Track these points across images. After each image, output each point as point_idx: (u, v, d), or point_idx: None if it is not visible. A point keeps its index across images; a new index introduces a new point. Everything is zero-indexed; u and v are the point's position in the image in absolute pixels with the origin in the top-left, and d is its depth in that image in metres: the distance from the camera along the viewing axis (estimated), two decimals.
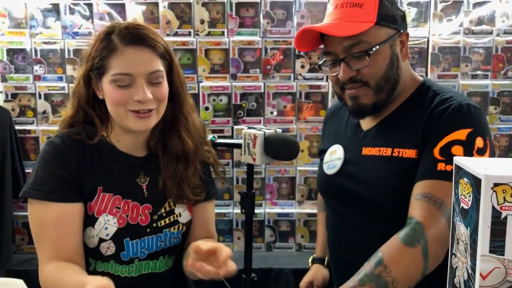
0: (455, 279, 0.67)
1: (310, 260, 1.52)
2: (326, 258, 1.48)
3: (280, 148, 1.01)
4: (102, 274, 1.08)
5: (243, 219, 2.39)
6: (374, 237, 1.09)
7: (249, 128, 1.05)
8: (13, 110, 2.39)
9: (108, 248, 1.06)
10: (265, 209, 2.34)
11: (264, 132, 1.02)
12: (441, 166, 1.00)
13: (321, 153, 1.34)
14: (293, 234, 2.34)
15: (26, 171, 2.37)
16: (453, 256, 0.69)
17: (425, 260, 0.90)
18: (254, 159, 1.03)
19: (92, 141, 1.04)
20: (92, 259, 1.08)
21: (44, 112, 2.39)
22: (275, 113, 2.35)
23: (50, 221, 0.98)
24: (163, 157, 1.11)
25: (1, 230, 2.24)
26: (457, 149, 1.01)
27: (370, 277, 0.85)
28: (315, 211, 2.34)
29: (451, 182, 0.98)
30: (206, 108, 2.34)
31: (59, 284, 0.96)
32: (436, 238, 0.93)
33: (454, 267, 0.68)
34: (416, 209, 0.96)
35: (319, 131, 2.23)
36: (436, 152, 1.02)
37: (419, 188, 1.00)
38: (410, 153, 1.08)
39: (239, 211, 2.37)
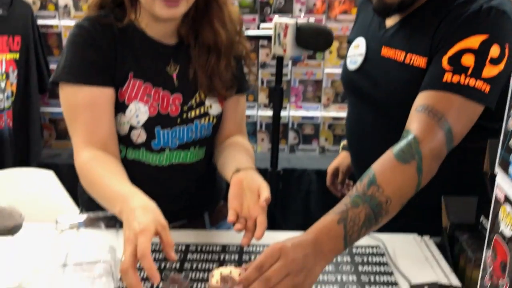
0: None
1: (340, 147, 1.59)
2: None
3: (312, 38, 1.00)
4: (133, 162, 1.12)
5: (267, 121, 2.43)
6: (383, 137, 1.11)
7: (280, 17, 1.03)
8: (34, 3, 2.37)
9: (139, 136, 1.10)
10: (290, 112, 2.36)
11: (296, 22, 0.99)
12: (447, 77, 0.95)
13: (349, 42, 1.33)
14: (317, 137, 2.38)
15: (51, 67, 2.40)
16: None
17: (419, 176, 0.88)
18: (284, 51, 1.02)
19: (121, 23, 1.03)
20: (123, 146, 1.12)
21: (66, 6, 2.37)
22: (303, 11, 2.28)
23: (83, 105, 1.01)
24: (194, 47, 1.10)
25: (29, 125, 2.33)
26: (467, 58, 0.95)
27: (363, 198, 0.84)
28: (340, 114, 2.35)
29: (456, 95, 0.95)
30: None
31: (97, 180, 0.98)
32: (431, 153, 0.90)
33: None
34: (414, 122, 0.94)
35: (349, 30, 2.16)
36: (444, 61, 0.97)
37: (421, 99, 0.97)
38: (421, 61, 1.03)
39: (263, 113, 2.40)
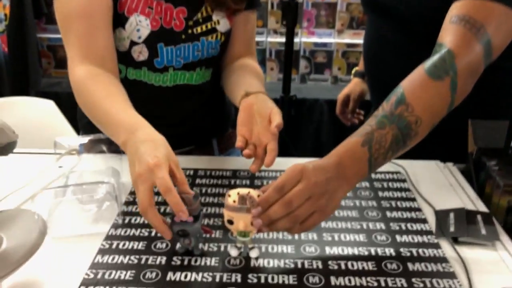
0: None
1: (352, 73, 1.52)
2: None
3: None
4: (134, 82, 1.05)
5: (277, 48, 2.33)
6: (407, 58, 1.02)
7: None
8: None
9: (141, 53, 1.02)
10: (301, 39, 2.25)
11: None
12: None
13: None
14: (330, 66, 2.28)
15: None
16: None
17: (452, 93, 0.80)
18: None
19: None
20: (122, 65, 1.04)
21: None
22: None
23: (77, 14, 0.92)
24: None
25: (26, 52, 2.24)
26: None
27: (390, 118, 0.76)
28: (355, 41, 2.24)
29: (498, 3, 0.84)
30: None
31: (97, 104, 0.89)
32: (468, 68, 0.81)
33: None
34: (449, 35, 0.84)
35: None
36: None
37: (456, 9, 0.87)
38: None
39: (273, 39, 2.28)
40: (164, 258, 0.73)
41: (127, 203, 0.89)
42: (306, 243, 0.78)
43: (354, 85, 1.51)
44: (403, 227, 0.83)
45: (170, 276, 0.69)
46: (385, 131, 0.75)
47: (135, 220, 0.83)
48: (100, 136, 0.98)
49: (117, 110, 0.86)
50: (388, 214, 0.87)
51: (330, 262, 0.73)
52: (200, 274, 0.70)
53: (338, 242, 0.78)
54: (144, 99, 1.00)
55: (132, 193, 0.92)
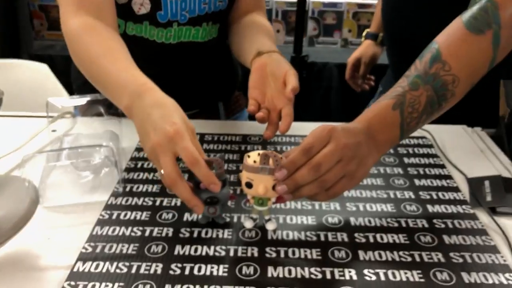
0: None
1: (363, 35, 1.43)
2: (380, 35, 1.39)
3: None
4: (134, 38, 0.96)
5: (284, 8, 2.22)
6: (428, 7, 0.93)
7: None
8: None
9: (142, 5, 0.92)
10: None
11: None
12: None
13: None
14: (340, 28, 2.18)
15: None
16: None
17: (494, 48, 0.72)
18: None
19: None
20: (121, 20, 0.95)
21: None
22: None
23: None
24: None
25: (16, 11, 2.13)
26: None
27: (424, 78, 0.69)
28: (367, 0, 2.13)
29: None
30: None
31: (94, 59, 0.80)
32: None
33: None
34: None
35: None
36: None
37: None
38: None
39: None
40: (171, 230, 0.66)
41: (128, 170, 0.81)
42: (328, 213, 0.70)
43: (366, 48, 1.43)
44: (434, 196, 0.75)
45: (178, 249, 0.62)
46: (419, 93, 0.68)
47: (138, 188, 0.76)
48: (97, 97, 0.90)
49: (119, 69, 0.77)
50: (417, 182, 0.79)
51: (356, 235, 0.66)
52: (212, 248, 0.63)
53: (363, 213, 0.71)
54: (145, 57, 0.91)
55: (134, 159, 0.85)
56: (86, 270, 0.59)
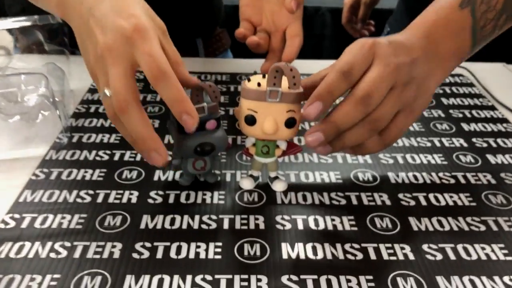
0: None
1: None
2: None
3: None
4: None
5: None
6: None
7: None
8: None
9: None
10: None
11: None
12: None
13: None
14: None
15: None
16: None
17: None
18: None
19: None
20: None
21: None
22: None
23: None
24: None
25: None
26: None
27: None
28: None
29: None
30: None
31: None
32: None
33: None
34: None
35: None
36: None
37: None
38: None
39: None
40: (135, 194, 0.47)
41: (77, 115, 0.61)
42: (358, 168, 0.52)
43: None
44: (493, 144, 0.57)
45: (146, 222, 0.43)
46: None
47: (89, 138, 0.56)
48: (35, 20, 0.68)
49: None
50: (465, 126, 0.61)
51: (401, 196, 0.48)
52: (197, 219, 0.44)
53: (404, 166, 0.52)
54: None
55: (86, 101, 0.64)
56: (3, 255, 0.39)
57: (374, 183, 0.49)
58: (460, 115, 0.64)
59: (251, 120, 0.43)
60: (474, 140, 0.58)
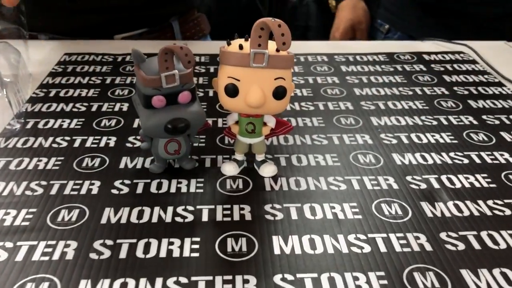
0: None
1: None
2: None
3: None
4: None
5: None
6: None
7: None
8: None
9: None
10: None
11: None
12: None
13: None
14: None
15: None
16: None
17: None
18: None
19: None
20: None
21: None
22: None
23: None
24: None
25: None
26: None
27: None
28: None
29: None
30: None
31: None
32: None
33: None
34: None
35: None
36: None
37: None
38: None
39: None
40: (97, 184, 0.39)
41: (34, 100, 0.53)
42: (357, 150, 0.45)
43: (354, 10, 1.11)
44: (506, 121, 0.51)
45: (108, 215, 0.36)
46: None
47: (46, 124, 0.48)
48: None
49: None
50: (473, 103, 0.55)
51: (409, 179, 0.41)
52: (170, 210, 0.36)
53: (410, 146, 0.46)
54: None
55: (45, 85, 0.57)
56: None
57: (377, 165, 0.43)
58: (466, 92, 0.58)
59: (232, 90, 0.36)
60: (484, 117, 0.52)
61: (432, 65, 0.66)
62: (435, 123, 0.50)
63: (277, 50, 0.35)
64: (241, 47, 0.35)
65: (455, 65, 0.66)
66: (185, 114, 0.36)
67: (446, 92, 0.58)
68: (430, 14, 0.90)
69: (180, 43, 0.35)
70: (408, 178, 0.41)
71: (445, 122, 0.51)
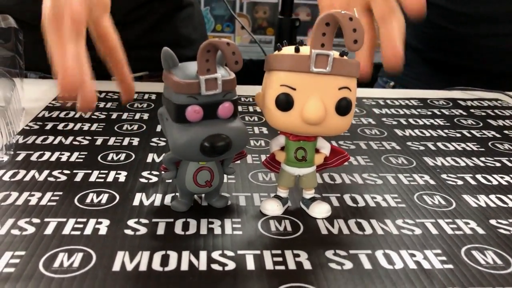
0: None
1: None
2: None
3: None
4: None
5: None
6: None
7: None
8: None
9: None
10: None
11: None
12: None
13: None
14: None
15: None
16: None
17: None
18: None
19: None
20: None
21: None
22: None
23: None
24: None
25: None
26: None
27: None
28: None
29: None
30: None
31: None
32: None
33: None
34: None
35: None
36: None
37: None
38: None
39: None
40: (106, 223, 0.31)
41: (27, 133, 0.45)
42: (424, 191, 0.37)
43: None
44: None
45: (118, 264, 0.27)
46: None
47: (40, 156, 0.40)
48: None
49: None
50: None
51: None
52: (204, 256, 0.28)
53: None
54: None
55: (40, 119, 0.49)
56: None
57: (450, 207, 0.35)
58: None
59: (285, 102, 0.29)
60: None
61: (472, 110, 0.59)
62: (498, 164, 0.43)
63: (341, 55, 0.29)
64: (297, 49, 0.29)
65: (496, 111, 0.60)
66: (225, 130, 0.28)
67: (498, 135, 0.51)
68: (441, 71, 0.85)
69: (224, 40, 0.28)
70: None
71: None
